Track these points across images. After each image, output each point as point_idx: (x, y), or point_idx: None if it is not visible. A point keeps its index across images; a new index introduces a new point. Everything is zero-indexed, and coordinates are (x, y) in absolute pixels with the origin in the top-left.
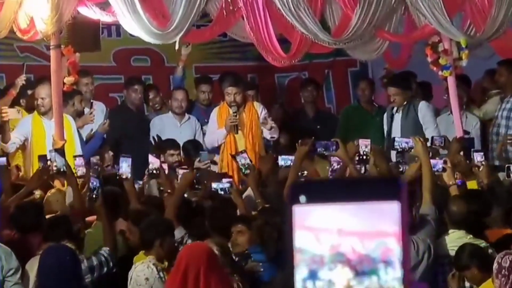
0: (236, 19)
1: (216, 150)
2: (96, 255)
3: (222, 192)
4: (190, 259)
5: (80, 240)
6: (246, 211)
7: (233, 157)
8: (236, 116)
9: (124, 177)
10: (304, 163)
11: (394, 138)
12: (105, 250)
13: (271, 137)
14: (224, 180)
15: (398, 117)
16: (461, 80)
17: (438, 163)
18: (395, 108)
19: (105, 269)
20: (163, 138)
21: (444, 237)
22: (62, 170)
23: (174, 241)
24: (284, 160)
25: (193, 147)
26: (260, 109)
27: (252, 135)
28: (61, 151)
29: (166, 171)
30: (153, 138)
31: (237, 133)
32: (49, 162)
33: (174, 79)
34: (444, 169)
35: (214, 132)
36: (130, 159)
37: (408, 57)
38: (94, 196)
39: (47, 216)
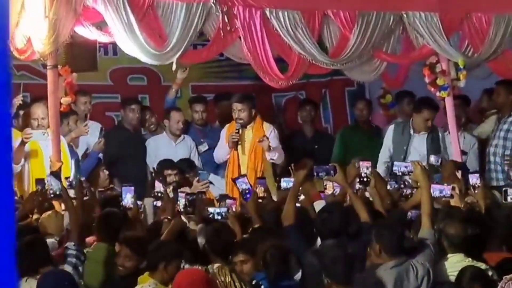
0: (233, 39)
1: (213, 170)
2: (66, 260)
3: (219, 217)
4: (190, 285)
5: None
6: (243, 236)
7: (233, 181)
8: (238, 133)
9: (128, 207)
10: (306, 185)
11: (393, 162)
12: (71, 248)
13: (271, 159)
14: (228, 201)
15: (421, 140)
16: (460, 99)
17: (445, 189)
18: (411, 128)
19: (81, 268)
20: (159, 158)
21: (443, 262)
22: (58, 193)
23: (180, 265)
24: (286, 182)
25: (187, 165)
26: (269, 131)
27: (255, 155)
28: (56, 174)
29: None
30: (153, 169)
31: (236, 149)
32: (46, 186)
33: (166, 100)
34: (452, 196)
35: (222, 147)
36: (132, 188)
37: (405, 77)
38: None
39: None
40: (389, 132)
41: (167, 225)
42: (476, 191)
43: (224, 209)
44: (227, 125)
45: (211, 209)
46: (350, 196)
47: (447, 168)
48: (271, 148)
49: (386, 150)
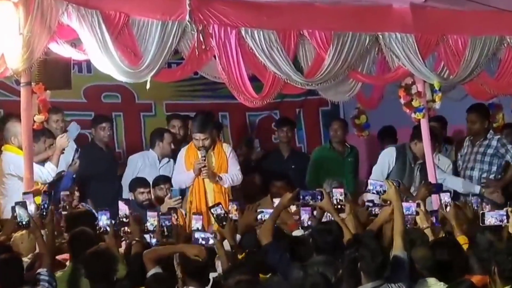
0: (208, 58)
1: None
2: (40, 284)
3: (204, 242)
4: None
5: None
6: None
7: (209, 209)
8: (204, 159)
9: (103, 230)
10: (283, 214)
11: (367, 181)
12: (43, 274)
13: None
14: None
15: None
16: (437, 121)
17: (411, 206)
18: (412, 156)
19: None
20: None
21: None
22: (25, 223)
23: None
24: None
25: (163, 180)
26: (228, 151)
27: None
28: (23, 204)
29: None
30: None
31: (202, 175)
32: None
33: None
34: (417, 213)
35: (182, 173)
36: (108, 212)
37: (380, 98)
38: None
39: None
40: (390, 157)
41: (136, 246)
42: (447, 210)
43: (209, 235)
44: (183, 149)
45: (196, 234)
46: (337, 221)
47: (421, 192)
48: (222, 179)
49: (379, 173)
